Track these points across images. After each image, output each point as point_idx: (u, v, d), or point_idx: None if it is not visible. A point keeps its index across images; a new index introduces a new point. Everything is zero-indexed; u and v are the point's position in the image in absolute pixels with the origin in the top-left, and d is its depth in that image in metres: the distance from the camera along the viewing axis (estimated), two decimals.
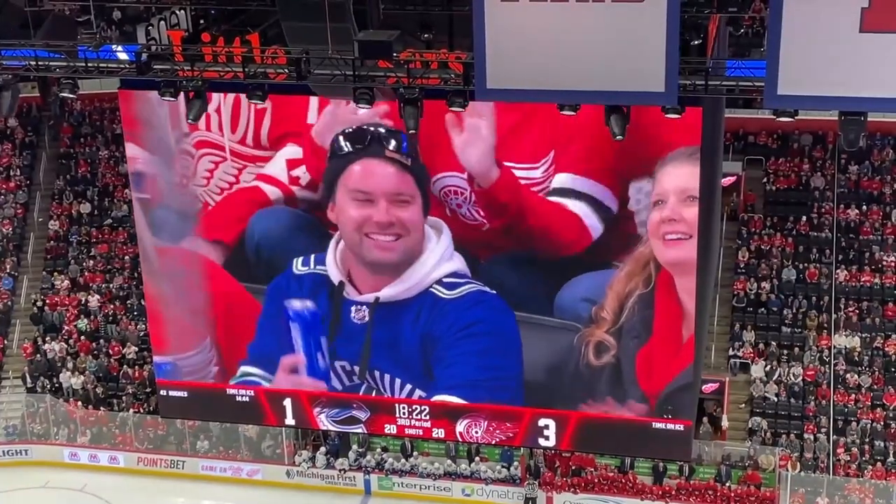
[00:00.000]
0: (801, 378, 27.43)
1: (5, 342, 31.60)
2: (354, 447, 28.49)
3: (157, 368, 21.12)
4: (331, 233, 18.86)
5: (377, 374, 19.70)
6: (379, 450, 28.60)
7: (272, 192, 19.04)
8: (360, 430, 21.56)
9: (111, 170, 33.18)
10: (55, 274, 32.27)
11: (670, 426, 19.09)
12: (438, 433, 20.47)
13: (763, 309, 28.46)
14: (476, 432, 20.12)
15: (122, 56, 16.94)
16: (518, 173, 17.90)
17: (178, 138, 18.98)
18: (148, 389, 29.50)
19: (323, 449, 28.50)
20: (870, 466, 26.17)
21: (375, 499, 28.18)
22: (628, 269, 17.89)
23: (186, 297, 20.05)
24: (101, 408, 29.95)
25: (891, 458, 26.19)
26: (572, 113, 15.06)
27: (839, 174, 29.78)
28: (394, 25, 15.96)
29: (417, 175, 18.25)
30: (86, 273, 32.02)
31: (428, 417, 20.06)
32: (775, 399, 27.33)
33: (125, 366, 30.38)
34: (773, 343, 27.98)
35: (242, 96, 17.23)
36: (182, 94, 16.67)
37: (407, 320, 19.02)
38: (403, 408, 20.14)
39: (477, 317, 18.86)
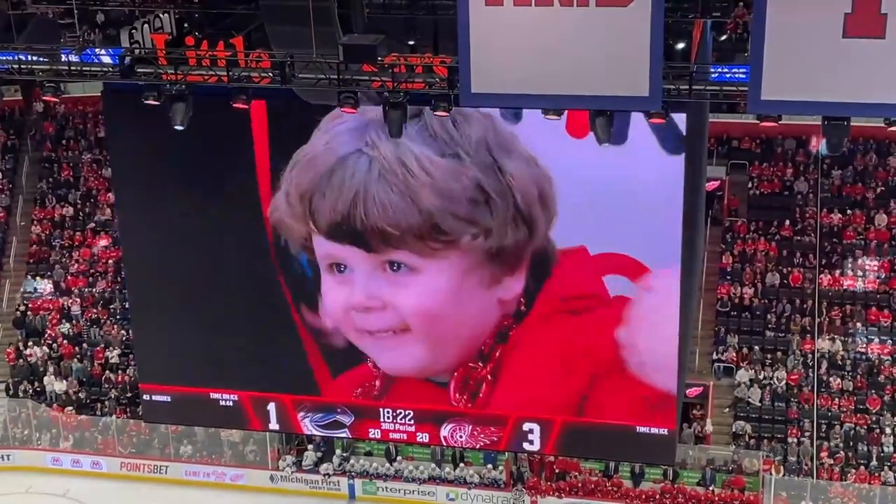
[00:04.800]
0: (784, 382, 27.49)
1: None
2: (338, 451, 28.42)
3: None
4: None
5: None
6: (364, 454, 28.53)
7: None
8: (344, 435, 21.52)
9: (94, 173, 33.03)
10: (37, 278, 32.11)
11: (654, 430, 19.12)
12: (423, 437, 20.47)
13: (747, 313, 28.52)
14: (460, 436, 20.10)
15: (106, 59, 16.91)
16: None
17: None
18: (129, 394, 29.35)
19: (311, 446, 28.35)
20: (853, 470, 26.22)
21: (359, 503, 28.11)
22: None
23: None
24: (84, 412, 29.80)
25: (874, 462, 26.26)
26: (557, 118, 15.07)
27: (822, 179, 29.87)
28: (378, 29, 15.97)
29: None
30: (68, 277, 31.87)
31: (412, 422, 20.05)
32: (759, 403, 27.39)
33: (108, 370, 30.24)
34: (757, 347, 28.05)
35: None
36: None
37: None
38: (388, 412, 20.12)
39: None
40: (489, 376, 17.81)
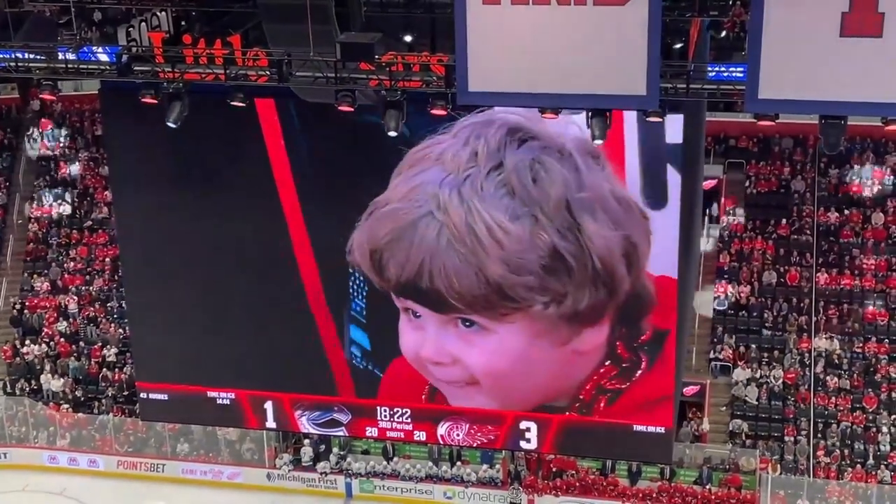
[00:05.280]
0: (781, 381, 27.51)
1: None
2: (336, 450, 28.41)
3: None
4: None
5: None
6: (361, 453, 28.52)
7: None
8: (341, 433, 21.53)
9: (91, 171, 33.00)
10: (34, 276, 32.08)
11: (651, 429, 19.11)
12: (420, 436, 20.45)
13: (744, 312, 28.53)
14: (457, 435, 20.09)
15: (103, 57, 16.88)
16: None
17: None
18: (126, 392, 29.33)
19: (307, 441, 28.33)
20: (849, 469, 26.24)
21: (356, 502, 28.08)
22: None
23: None
24: (81, 411, 29.79)
25: (870, 461, 26.28)
26: (554, 116, 15.06)
27: (819, 177, 29.89)
28: (376, 28, 15.95)
29: None
30: (65, 275, 31.85)
31: (409, 420, 20.04)
32: (756, 402, 27.41)
33: (105, 368, 30.22)
34: (754, 346, 28.06)
35: None
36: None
37: None
38: (385, 411, 20.11)
39: None
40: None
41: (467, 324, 15.62)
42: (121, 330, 29.98)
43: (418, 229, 15.26)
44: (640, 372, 16.90)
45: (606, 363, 16.88)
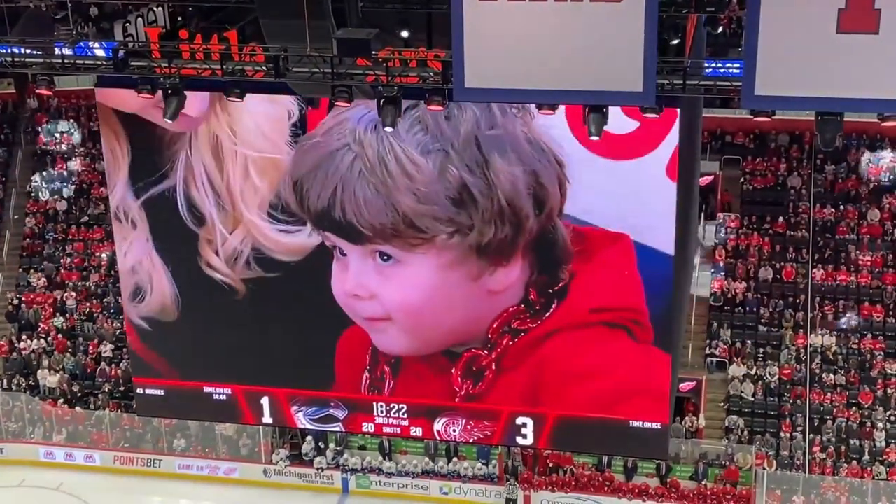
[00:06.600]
0: (777, 377, 27.56)
1: None
2: (332, 446, 28.43)
3: None
4: None
5: None
6: (357, 448, 28.54)
7: None
8: (337, 429, 21.52)
9: (87, 167, 32.98)
10: (31, 271, 32.08)
11: (647, 424, 19.12)
12: (416, 431, 20.44)
13: (740, 308, 28.57)
14: (454, 430, 20.10)
15: (99, 53, 16.85)
16: None
17: None
18: (122, 388, 29.34)
19: (309, 437, 28.32)
20: (845, 465, 26.30)
21: (353, 497, 28.13)
22: None
23: None
24: (78, 406, 29.79)
25: (866, 457, 26.34)
26: (551, 113, 15.07)
27: (816, 174, 29.94)
28: (372, 23, 15.93)
29: None
30: (62, 271, 31.84)
31: (406, 416, 20.04)
32: (752, 398, 27.45)
33: (102, 363, 30.22)
34: (750, 342, 28.10)
35: None
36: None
37: None
38: (381, 406, 20.10)
39: None
40: (493, 365, 17.92)
41: (385, 258, 16.15)
42: (117, 325, 29.98)
43: (335, 160, 15.94)
44: (547, 314, 16.93)
45: (518, 305, 17.08)
